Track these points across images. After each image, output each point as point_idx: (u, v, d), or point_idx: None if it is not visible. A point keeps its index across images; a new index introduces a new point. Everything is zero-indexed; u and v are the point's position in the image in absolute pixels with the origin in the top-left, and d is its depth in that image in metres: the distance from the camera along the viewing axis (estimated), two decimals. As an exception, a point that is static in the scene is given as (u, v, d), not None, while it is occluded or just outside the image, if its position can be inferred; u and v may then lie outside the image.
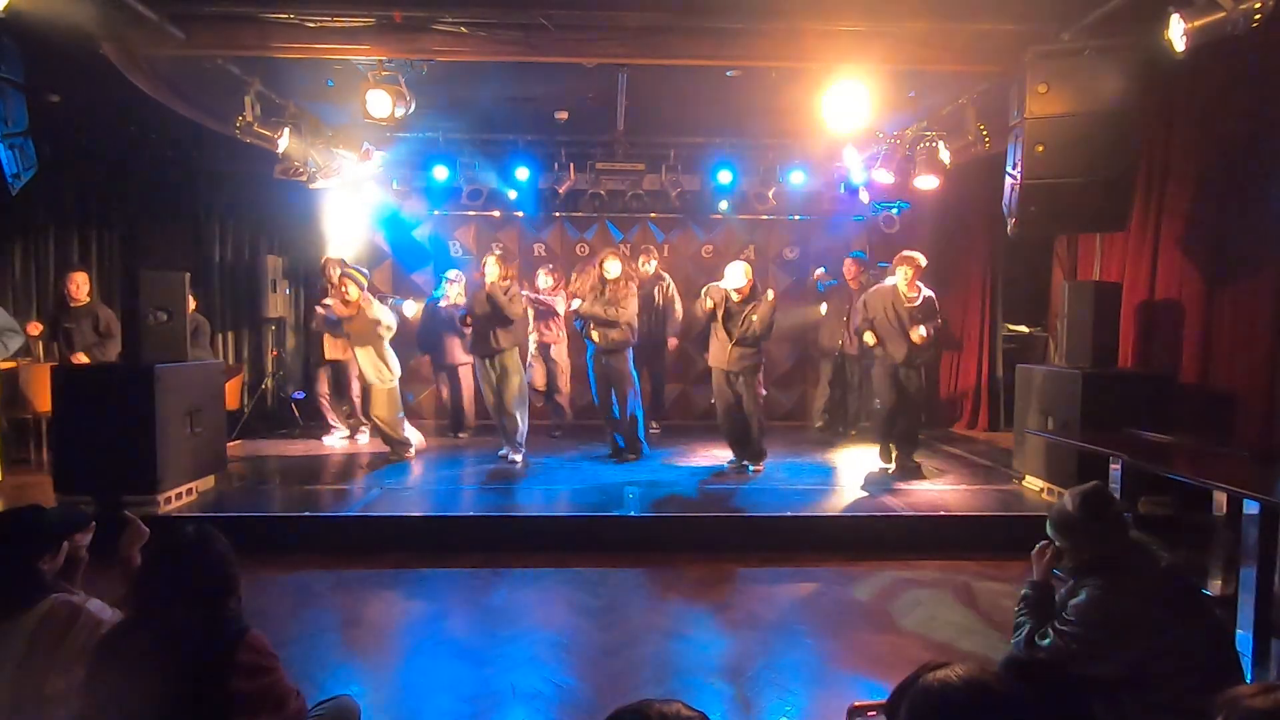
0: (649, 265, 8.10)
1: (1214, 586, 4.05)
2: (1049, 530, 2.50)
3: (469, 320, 6.67)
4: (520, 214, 9.26)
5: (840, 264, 8.36)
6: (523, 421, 6.65)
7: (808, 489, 6.01)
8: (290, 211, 8.44)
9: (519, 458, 6.65)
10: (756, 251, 9.41)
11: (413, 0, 4.96)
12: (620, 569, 4.75)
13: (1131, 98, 4.94)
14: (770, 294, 6.14)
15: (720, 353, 6.17)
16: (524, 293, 7.02)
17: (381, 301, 8.91)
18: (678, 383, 9.31)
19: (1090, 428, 5.19)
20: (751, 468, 6.43)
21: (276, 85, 6.12)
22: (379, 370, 6.61)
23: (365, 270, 7.06)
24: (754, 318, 5.99)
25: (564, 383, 8.10)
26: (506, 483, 6.15)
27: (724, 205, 8.91)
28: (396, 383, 6.73)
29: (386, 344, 6.60)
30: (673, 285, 8.15)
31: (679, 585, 4.52)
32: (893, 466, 6.49)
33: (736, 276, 6.02)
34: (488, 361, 6.59)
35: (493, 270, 6.44)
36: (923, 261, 6.20)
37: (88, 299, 6.75)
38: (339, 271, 6.90)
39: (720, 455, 6.83)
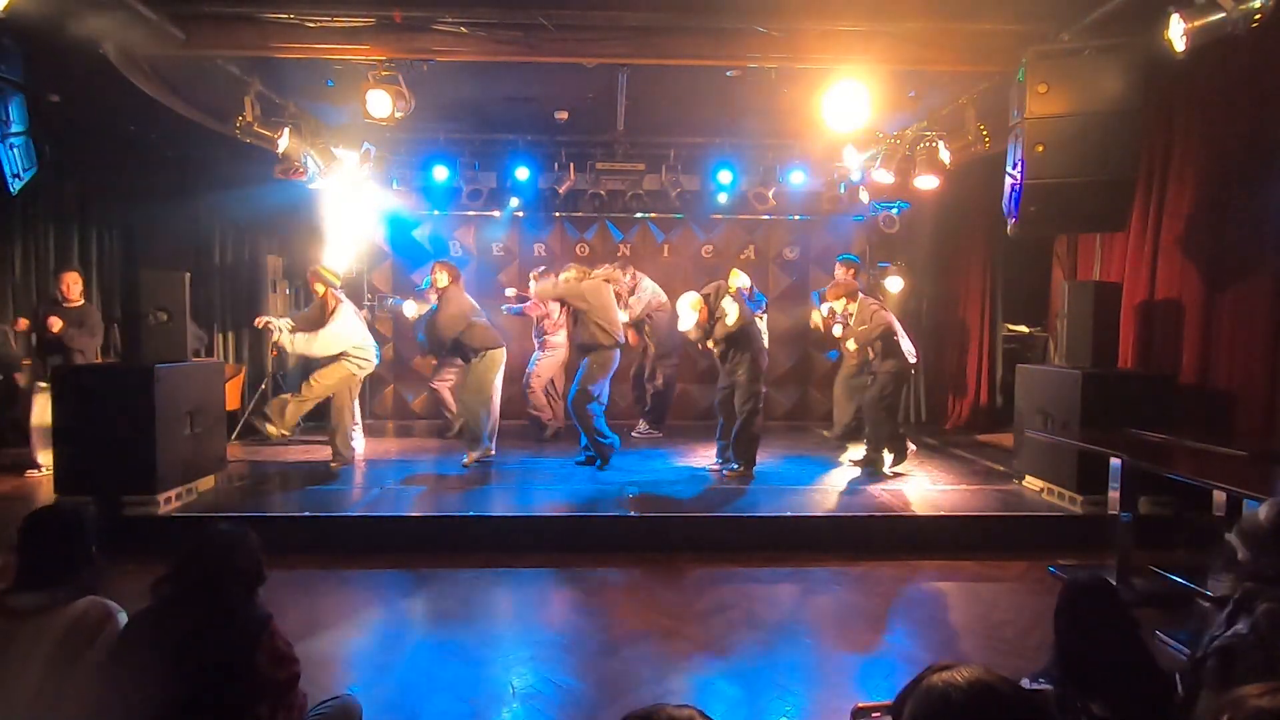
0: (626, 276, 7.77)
1: (1213, 587, 4.04)
2: (1233, 537, 2.37)
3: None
4: (520, 214, 9.26)
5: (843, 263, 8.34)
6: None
7: (808, 489, 6.01)
8: (290, 211, 8.43)
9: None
10: (756, 251, 9.42)
11: (413, 0, 4.96)
12: (620, 569, 4.75)
13: (1131, 98, 4.94)
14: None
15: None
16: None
17: (381, 302, 8.97)
18: (677, 383, 9.29)
19: (1090, 428, 5.20)
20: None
21: (276, 85, 6.12)
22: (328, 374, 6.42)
23: (338, 272, 7.02)
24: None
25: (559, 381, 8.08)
26: (506, 483, 6.14)
27: (723, 198, 8.75)
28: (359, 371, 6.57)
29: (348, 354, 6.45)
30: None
31: (679, 585, 4.52)
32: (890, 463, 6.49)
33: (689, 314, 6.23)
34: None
35: (442, 278, 6.46)
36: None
37: (80, 299, 6.72)
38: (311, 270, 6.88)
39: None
